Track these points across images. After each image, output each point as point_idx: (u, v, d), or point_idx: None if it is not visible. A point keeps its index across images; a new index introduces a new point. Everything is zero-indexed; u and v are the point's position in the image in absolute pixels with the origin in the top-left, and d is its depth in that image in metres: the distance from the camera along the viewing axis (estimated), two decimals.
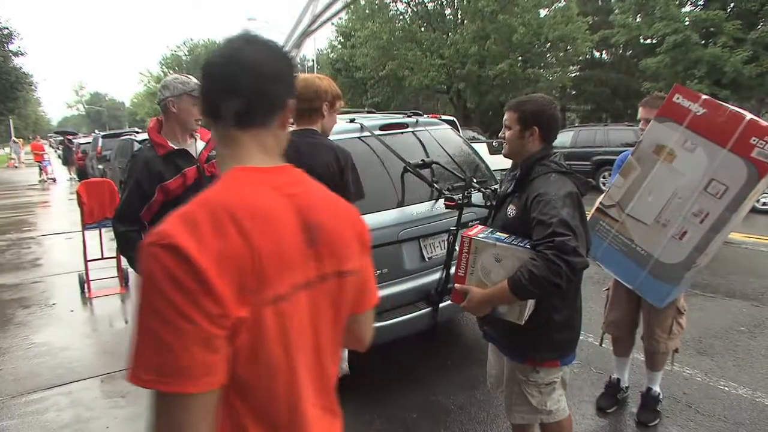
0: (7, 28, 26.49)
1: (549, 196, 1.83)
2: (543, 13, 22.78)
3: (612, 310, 3.01)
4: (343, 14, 28.20)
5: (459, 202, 3.11)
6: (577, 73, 27.14)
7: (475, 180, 3.44)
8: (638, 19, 19.37)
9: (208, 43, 51.95)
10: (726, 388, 3.30)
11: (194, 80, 2.59)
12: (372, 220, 3.05)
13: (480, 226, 2.09)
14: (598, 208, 2.52)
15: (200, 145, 2.76)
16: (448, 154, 3.65)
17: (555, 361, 2.07)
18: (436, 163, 3.39)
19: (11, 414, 3.16)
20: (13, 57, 27.32)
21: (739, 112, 2.18)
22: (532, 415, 2.13)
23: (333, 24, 30.19)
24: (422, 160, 3.35)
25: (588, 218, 2.18)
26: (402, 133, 3.54)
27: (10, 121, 37.67)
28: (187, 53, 51.47)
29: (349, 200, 2.09)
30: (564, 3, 23.07)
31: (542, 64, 23.72)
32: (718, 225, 2.22)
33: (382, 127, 3.42)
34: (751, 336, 4.08)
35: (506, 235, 1.96)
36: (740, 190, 2.16)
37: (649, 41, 20.81)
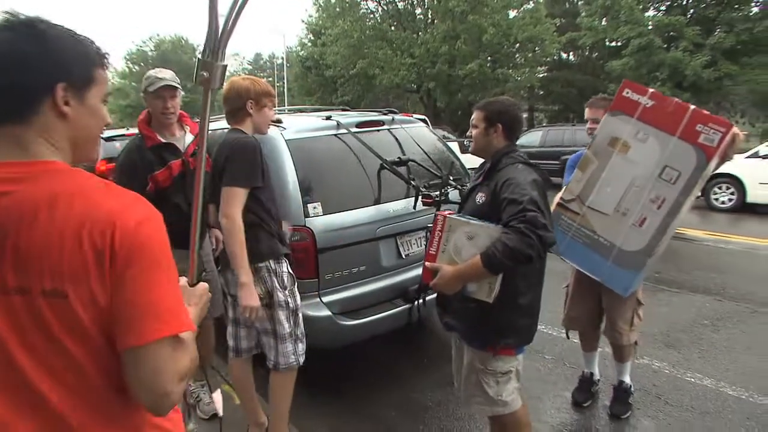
0: None
1: (518, 180, 1.96)
2: (512, 14, 23.11)
3: (573, 305, 3.06)
4: (313, 11, 28.09)
5: (436, 199, 3.12)
6: (545, 74, 27.65)
7: (451, 177, 3.46)
8: (604, 23, 19.87)
9: (174, 39, 50.86)
10: (692, 380, 3.41)
11: (157, 75, 2.68)
12: (349, 217, 3.04)
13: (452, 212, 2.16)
14: (558, 203, 2.57)
15: (189, 138, 2.81)
16: (424, 151, 3.65)
17: (511, 349, 2.13)
18: (413, 160, 3.38)
19: None
20: None
21: (683, 103, 2.33)
22: (489, 406, 2.19)
23: (303, 21, 30.00)
24: (399, 157, 3.34)
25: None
26: (378, 130, 3.53)
27: None
28: (153, 49, 50.28)
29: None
30: (533, 5, 23.50)
31: (511, 65, 24.06)
32: (674, 209, 2.33)
33: (359, 125, 3.40)
34: (714, 329, 4.22)
35: (476, 218, 2.04)
36: (692, 174, 2.29)
37: (614, 44, 21.35)
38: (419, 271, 3.32)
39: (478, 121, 2.19)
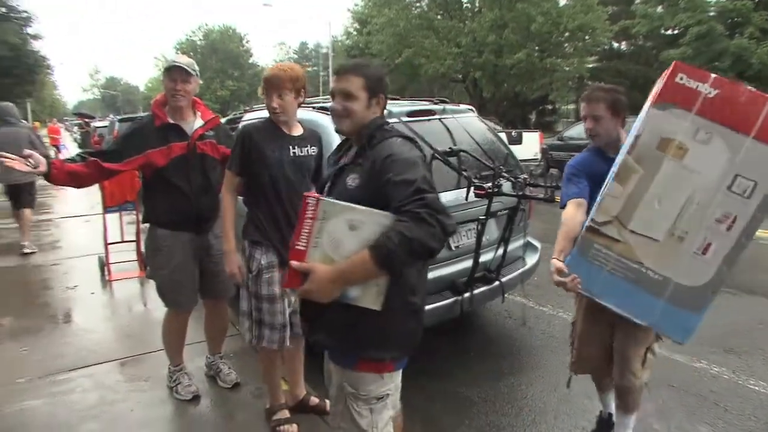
0: (26, 12, 26.76)
1: (405, 156, 1.59)
2: (562, 2, 22.45)
3: (583, 344, 2.55)
4: (360, 0, 28.07)
5: (489, 190, 3.06)
6: (595, 64, 26.76)
7: (503, 168, 3.39)
8: (660, 9, 19.03)
9: (223, 29, 51.90)
10: (756, 387, 3.24)
11: (174, 58, 2.85)
12: None
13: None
14: (589, 228, 1.94)
15: (198, 123, 2.91)
16: (475, 141, 3.58)
17: (391, 364, 1.74)
18: (464, 151, 3.32)
19: (38, 394, 3.18)
20: (31, 40, 27.57)
21: (759, 92, 1.83)
22: None
23: (349, 10, 30.03)
24: (450, 147, 3.28)
25: (577, 242, 1.93)
26: (429, 120, 3.48)
27: (28, 104, 38.06)
28: (202, 38, 51.47)
29: None
30: None
31: (559, 54, 23.41)
32: (750, 230, 1.82)
33: (410, 114, 3.37)
34: None
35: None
36: None
37: (671, 32, 20.43)
38: (469, 263, 3.30)
39: (356, 89, 1.70)
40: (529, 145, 12.89)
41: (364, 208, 1.53)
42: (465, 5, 25.11)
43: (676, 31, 19.49)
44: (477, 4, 24.39)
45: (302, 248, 1.56)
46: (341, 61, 30.05)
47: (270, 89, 2.48)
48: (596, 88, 2.34)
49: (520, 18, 21.42)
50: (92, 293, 5.10)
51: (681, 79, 1.83)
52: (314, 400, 2.92)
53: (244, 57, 52.62)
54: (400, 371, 1.83)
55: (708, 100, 1.81)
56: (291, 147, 2.56)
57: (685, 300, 1.90)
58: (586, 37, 22.79)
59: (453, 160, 3.24)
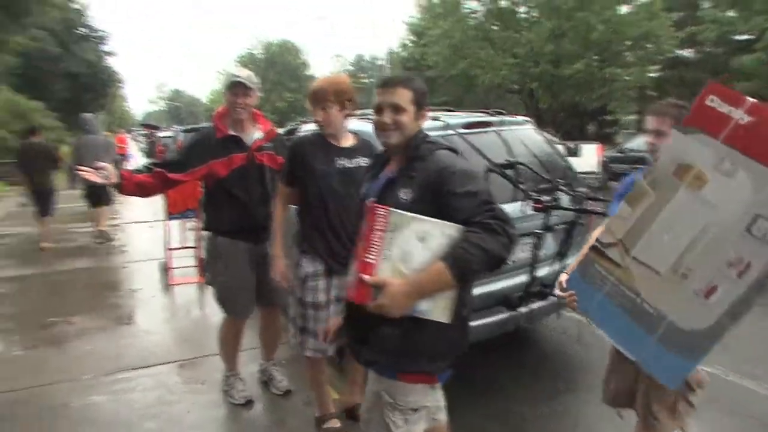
0: (103, 31, 28.67)
1: (462, 168, 1.61)
2: (624, 9, 21.73)
3: (611, 373, 2.26)
4: (415, 12, 28.27)
5: (547, 204, 2.98)
6: (658, 73, 25.70)
7: (561, 182, 3.29)
8: (732, 13, 18.06)
9: (281, 42, 53.49)
10: None
11: (234, 73, 2.90)
12: None
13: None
14: (593, 247, 1.84)
15: (257, 135, 2.98)
16: (533, 154, 3.50)
17: (434, 375, 1.74)
18: (521, 163, 3.25)
19: (103, 390, 3.34)
20: (105, 57, 29.46)
21: None
22: None
23: (405, 22, 30.29)
24: (507, 159, 3.22)
25: (581, 260, 1.87)
26: (486, 131, 3.43)
27: (101, 116, 40.50)
28: (262, 52, 53.26)
29: None
30: None
31: (620, 63, 22.64)
32: (763, 282, 1.56)
33: (466, 126, 3.33)
34: None
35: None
36: None
37: (744, 37, 19.35)
38: (524, 277, 3.21)
39: (405, 102, 1.70)
40: (588, 158, 12.48)
41: (432, 219, 1.52)
42: (521, 15, 24.80)
43: (749, 36, 18.42)
44: (534, 15, 24.04)
45: (372, 261, 1.53)
46: (397, 72, 30.19)
47: (314, 102, 2.51)
48: (667, 104, 2.18)
49: (579, 27, 20.89)
50: (153, 296, 5.32)
51: (712, 101, 1.63)
52: None
53: (301, 69, 54.02)
54: (440, 387, 1.82)
55: (740, 127, 1.58)
56: (339, 159, 2.57)
57: (678, 343, 1.68)
58: (649, 45, 21.96)
59: (510, 172, 3.18)
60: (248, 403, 3.14)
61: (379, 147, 1.94)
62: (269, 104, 47.09)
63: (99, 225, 7.70)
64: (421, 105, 1.74)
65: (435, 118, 3.29)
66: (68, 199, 9.93)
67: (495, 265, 1.49)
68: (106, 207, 7.77)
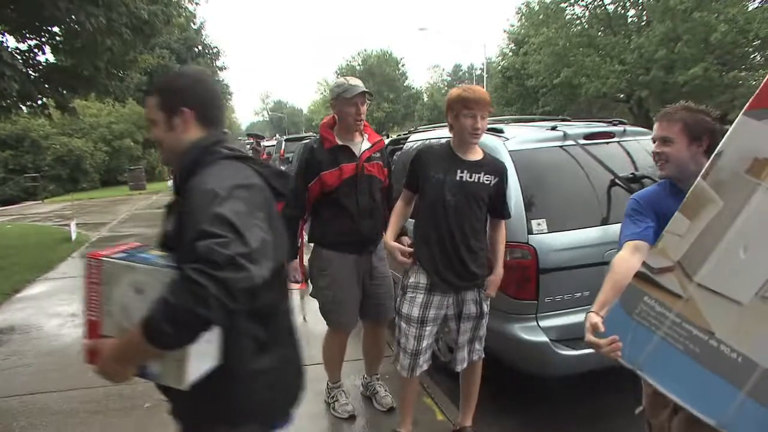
0: (217, 47, 31.09)
1: (203, 188, 1.22)
2: (752, 6, 19.72)
3: (653, 409, 1.89)
4: (515, 21, 27.71)
5: None
6: None
7: None
8: None
9: (380, 53, 54.68)
10: None
11: (350, 82, 2.83)
12: (575, 236, 2.79)
13: (132, 243, 1.40)
14: (639, 274, 1.41)
15: (365, 145, 2.92)
16: None
17: None
18: (649, 177, 2.98)
19: None
20: (218, 71, 31.93)
21: None
22: None
23: (505, 31, 29.76)
24: (632, 173, 2.98)
25: (622, 293, 1.44)
26: (608, 143, 3.19)
27: None
28: (360, 63, 54.76)
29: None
30: None
31: (743, 66, 20.57)
32: None
33: (587, 136, 3.12)
34: None
35: (161, 254, 1.31)
36: None
37: None
38: None
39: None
40: None
41: (145, 266, 1.24)
42: (630, 19, 23.41)
43: None
44: (644, 18, 22.59)
45: (95, 318, 1.29)
46: (495, 81, 29.38)
47: (475, 110, 2.38)
48: (678, 108, 1.86)
49: (696, 29, 19.27)
50: None
51: None
52: None
53: (399, 80, 54.81)
54: None
55: None
56: (459, 171, 2.46)
57: None
58: None
59: (635, 186, 2.92)
60: (350, 417, 3.09)
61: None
62: (368, 115, 48.24)
63: None
64: (173, 109, 1.39)
65: (553, 128, 3.12)
66: None
67: (194, 323, 1.10)
68: None
